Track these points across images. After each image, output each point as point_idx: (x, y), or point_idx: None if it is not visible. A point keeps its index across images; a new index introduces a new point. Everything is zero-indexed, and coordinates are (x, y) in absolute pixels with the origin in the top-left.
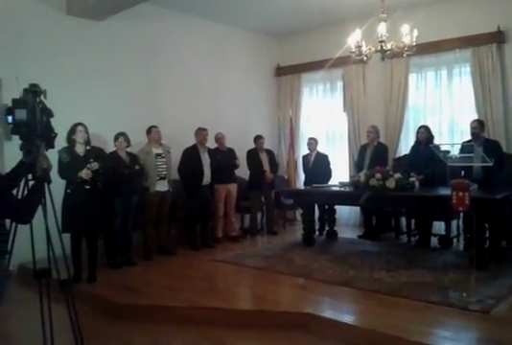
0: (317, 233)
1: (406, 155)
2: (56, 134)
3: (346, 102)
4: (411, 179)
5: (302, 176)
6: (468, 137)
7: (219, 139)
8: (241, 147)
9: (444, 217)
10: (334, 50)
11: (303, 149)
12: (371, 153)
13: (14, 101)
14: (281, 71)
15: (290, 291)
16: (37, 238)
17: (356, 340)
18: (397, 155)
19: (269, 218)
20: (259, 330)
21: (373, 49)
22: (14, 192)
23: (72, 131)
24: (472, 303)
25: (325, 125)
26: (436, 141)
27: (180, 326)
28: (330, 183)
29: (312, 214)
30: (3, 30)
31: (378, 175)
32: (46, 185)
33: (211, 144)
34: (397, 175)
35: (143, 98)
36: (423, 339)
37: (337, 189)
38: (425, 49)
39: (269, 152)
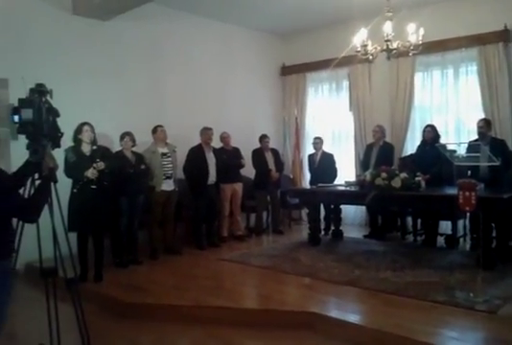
0: (323, 232)
1: (412, 155)
2: (62, 134)
3: (352, 101)
4: (417, 179)
5: (308, 176)
6: (474, 136)
7: (224, 138)
8: (246, 146)
9: (450, 216)
10: (339, 49)
11: (308, 149)
12: (377, 153)
13: (21, 100)
14: (286, 70)
15: (296, 291)
16: (44, 237)
17: (361, 340)
18: (403, 155)
19: (275, 217)
20: (265, 329)
21: (379, 48)
22: (21, 191)
23: (78, 131)
24: (478, 303)
25: (331, 124)
26: (443, 140)
27: (186, 325)
28: (335, 182)
29: (317, 213)
30: (9, 30)
31: (384, 175)
32: (52, 184)
33: (216, 143)
34: (403, 175)
35: (148, 97)
36: (429, 339)
37: (343, 188)
38: (431, 48)
39: (275, 152)
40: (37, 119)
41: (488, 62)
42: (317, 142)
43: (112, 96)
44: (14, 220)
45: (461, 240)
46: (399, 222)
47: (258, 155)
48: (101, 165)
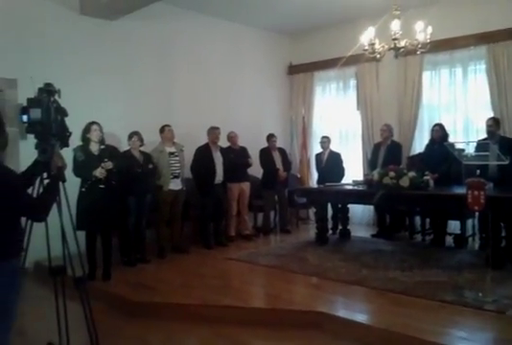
0: (330, 232)
1: (420, 154)
2: (70, 133)
3: (359, 100)
4: (426, 178)
5: (315, 175)
6: (483, 135)
7: (231, 138)
8: (253, 145)
9: (459, 216)
10: (347, 48)
11: (316, 148)
12: (385, 152)
13: (29, 100)
14: (293, 69)
15: (304, 290)
16: (53, 235)
17: (369, 339)
18: (411, 154)
19: (283, 216)
20: (272, 328)
21: (386, 47)
22: (30, 190)
23: (87, 130)
24: (487, 303)
25: (338, 123)
26: (451, 139)
27: (193, 323)
28: (343, 182)
29: (325, 212)
30: (17, 30)
31: (392, 174)
32: (61, 183)
33: (223, 143)
34: (411, 174)
35: (156, 97)
36: (438, 339)
37: (351, 187)
38: (439, 46)
39: (282, 151)
40: (46, 118)
41: (497, 61)
42: (325, 141)
43: (120, 95)
44: (23, 219)
45: (470, 239)
46: (407, 222)
47: (265, 155)
48: (109, 164)
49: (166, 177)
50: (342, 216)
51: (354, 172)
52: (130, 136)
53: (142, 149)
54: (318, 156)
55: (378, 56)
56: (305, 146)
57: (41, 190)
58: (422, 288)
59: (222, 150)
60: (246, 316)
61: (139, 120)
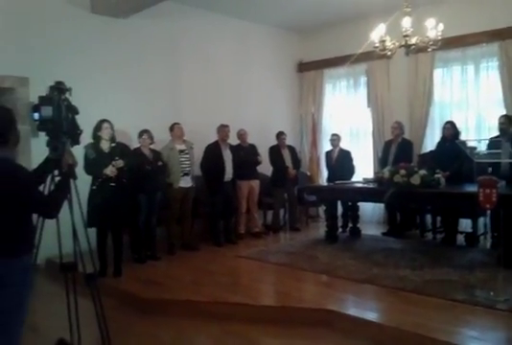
0: (340, 230)
1: (431, 151)
2: (81, 131)
3: (370, 97)
4: (437, 176)
5: (325, 173)
6: (495, 133)
7: (241, 135)
8: (263, 143)
9: (471, 214)
10: (357, 45)
11: (325, 146)
12: (395, 149)
13: (41, 98)
14: (303, 67)
15: (314, 288)
16: (64, 233)
17: (380, 338)
18: (422, 151)
19: (292, 214)
20: (282, 326)
21: (397, 44)
22: (41, 188)
23: (98, 128)
24: (499, 302)
25: (348, 121)
26: (463, 137)
27: (203, 321)
28: (353, 179)
29: (335, 210)
30: (28, 29)
31: (402, 172)
32: (72, 181)
33: (233, 140)
34: (422, 172)
35: (166, 95)
36: (449, 338)
37: (361, 185)
38: (450, 43)
39: (291, 149)
40: (57, 116)
41: (509, 58)
42: (335, 139)
43: (130, 93)
44: (35, 216)
45: (482, 238)
46: (418, 220)
47: (275, 152)
48: (119, 163)
49: (176, 175)
50: (352, 214)
51: (364, 169)
52: (140, 134)
53: (152, 146)
54: (328, 154)
55: (389, 53)
56: (315, 143)
57: (52, 187)
58: (433, 287)
59: (232, 148)
60: (256, 314)
61: (149, 118)
